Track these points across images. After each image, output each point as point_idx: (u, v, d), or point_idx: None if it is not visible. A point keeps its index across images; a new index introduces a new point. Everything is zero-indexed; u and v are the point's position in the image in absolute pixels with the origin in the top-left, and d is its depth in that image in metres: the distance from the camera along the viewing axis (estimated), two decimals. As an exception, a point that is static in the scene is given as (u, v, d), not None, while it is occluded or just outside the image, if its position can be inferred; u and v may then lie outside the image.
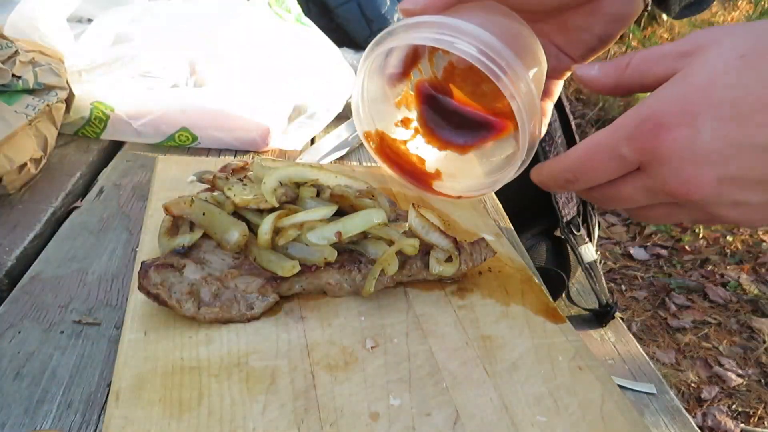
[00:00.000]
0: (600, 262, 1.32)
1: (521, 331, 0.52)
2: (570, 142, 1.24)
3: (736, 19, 4.57)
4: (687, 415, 1.04)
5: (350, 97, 0.65)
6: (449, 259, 0.56)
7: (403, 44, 0.59)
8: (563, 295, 1.29)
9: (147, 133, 0.86)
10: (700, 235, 2.65)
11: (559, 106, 1.23)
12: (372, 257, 0.54)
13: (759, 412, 1.74)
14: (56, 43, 0.78)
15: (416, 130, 0.67)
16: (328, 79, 1.01)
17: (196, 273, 0.48)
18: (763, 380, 1.87)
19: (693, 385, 1.83)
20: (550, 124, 1.19)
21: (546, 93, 0.61)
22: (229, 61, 0.95)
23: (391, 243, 0.54)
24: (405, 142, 0.69)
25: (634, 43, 4.10)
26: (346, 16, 1.40)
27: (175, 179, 0.69)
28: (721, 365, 1.92)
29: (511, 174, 0.56)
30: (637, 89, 0.46)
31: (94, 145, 0.85)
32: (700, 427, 1.59)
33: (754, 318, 2.14)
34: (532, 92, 0.50)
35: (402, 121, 0.68)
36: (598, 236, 1.36)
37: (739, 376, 1.87)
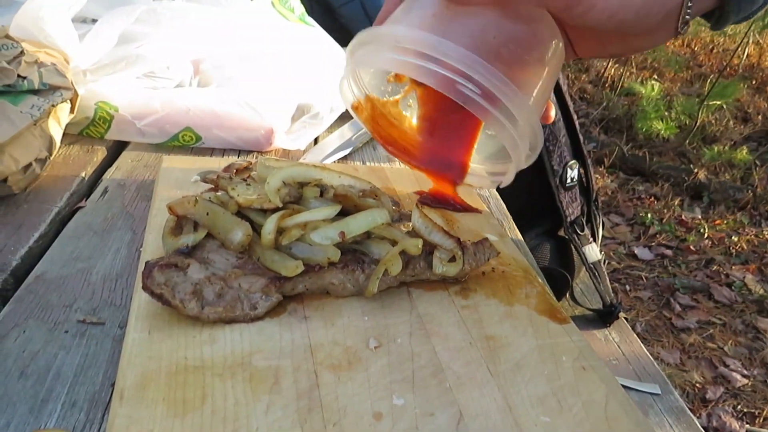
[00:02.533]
0: (604, 262, 1.32)
1: (525, 331, 0.52)
2: (574, 141, 1.24)
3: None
4: (692, 415, 1.03)
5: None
6: (452, 259, 0.56)
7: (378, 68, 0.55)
8: (567, 295, 1.29)
9: (151, 133, 0.86)
10: (705, 235, 2.64)
11: (562, 105, 1.23)
12: (375, 257, 0.54)
13: (764, 412, 1.73)
14: (61, 43, 0.78)
15: (411, 83, 0.63)
16: (331, 79, 1.01)
17: (200, 273, 0.48)
18: (768, 380, 1.86)
19: (698, 385, 1.82)
20: (554, 123, 1.19)
21: None
22: (232, 61, 0.96)
23: (394, 243, 0.54)
24: (397, 101, 0.65)
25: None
26: (349, 15, 1.40)
27: (179, 179, 0.69)
28: (726, 366, 1.91)
29: (510, 175, 0.56)
30: None
31: (98, 145, 0.85)
32: (704, 428, 1.58)
33: (759, 318, 2.13)
34: (527, 116, 0.47)
35: (395, 75, 0.64)
36: (602, 236, 1.36)
37: (744, 376, 1.86)
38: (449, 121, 0.61)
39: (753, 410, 1.74)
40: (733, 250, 2.55)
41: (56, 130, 0.74)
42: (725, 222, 2.77)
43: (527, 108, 0.47)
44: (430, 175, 0.68)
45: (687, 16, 0.46)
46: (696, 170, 3.04)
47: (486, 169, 0.64)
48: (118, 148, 0.87)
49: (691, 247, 2.57)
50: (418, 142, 0.66)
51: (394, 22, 0.50)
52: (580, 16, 0.46)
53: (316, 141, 0.98)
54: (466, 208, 0.71)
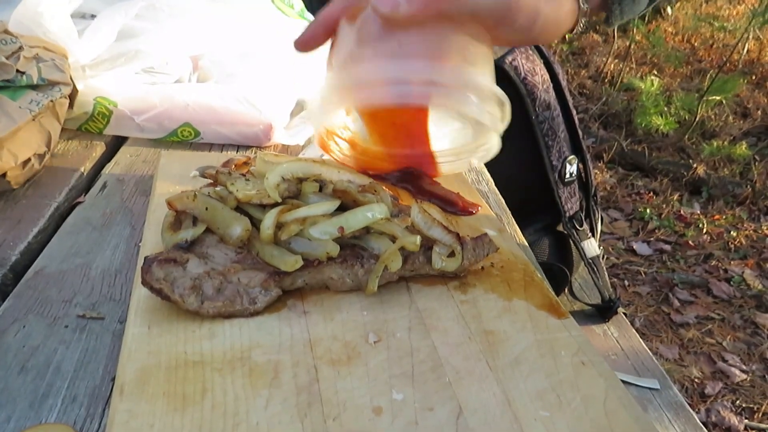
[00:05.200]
0: (603, 258, 1.32)
1: (524, 327, 0.52)
2: (573, 137, 1.24)
3: (741, 13, 4.55)
4: (690, 410, 1.04)
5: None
6: (452, 254, 0.56)
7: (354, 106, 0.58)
8: (566, 291, 1.29)
9: (150, 129, 0.86)
10: (704, 231, 2.64)
11: (561, 100, 1.23)
12: (374, 252, 0.54)
13: (763, 407, 1.73)
14: (60, 38, 0.78)
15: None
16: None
17: (199, 267, 0.48)
18: (767, 376, 1.86)
19: (697, 380, 1.83)
20: (553, 119, 1.19)
21: None
22: (231, 57, 0.95)
23: (393, 238, 0.54)
24: (346, 125, 0.66)
25: (638, 37, 4.08)
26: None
27: (177, 174, 0.69)
28: (724, 361, 1.91)
29: (496, 141, 0.56)
30: None
31: (97, 141, 0.85)
32: (703, 423, 1.59)
33: (758, 313, 2.14)
34: (466, 81, 0.49)
35: None
36: (601, 231, 1.36)
37: (743, 371, 1.87)
38: (395, 124, 0.62)
39: (752, 405, 1.75)
40: (732, 246, 2.55)
41: (55, 126, 0.73)
42: (724, 217, 2.77)
43: (465, 73, 0.48)
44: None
45: (579, 28, 0.57)
46: (695, 165, 3.04)
47: (471, 148, 0.64)
48: (116, 144, 0.87)
49: (690, 242, 2.57)
50: (380, 154, 0.67)
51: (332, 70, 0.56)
52: (503, 33, 0.53)
53: (315, 136, 0.98)
54: (465, 210, 0.71)
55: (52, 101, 0.71)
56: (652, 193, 2.98)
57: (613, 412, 0.44)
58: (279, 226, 0.52)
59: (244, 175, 0.59)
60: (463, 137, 0.65)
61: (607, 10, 0.59)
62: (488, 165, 0.96)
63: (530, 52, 1.21)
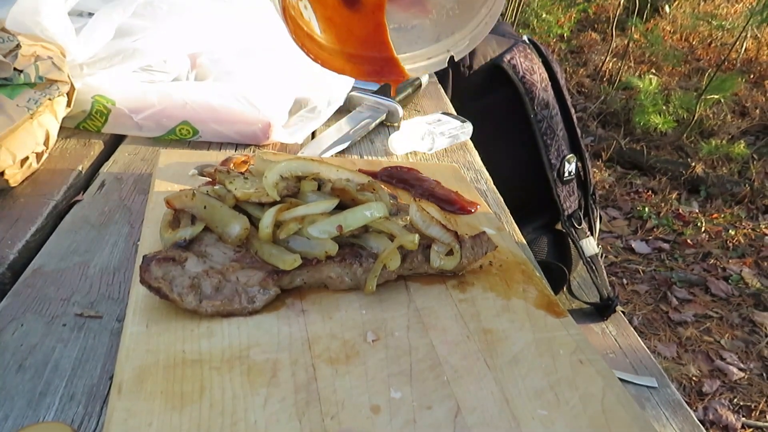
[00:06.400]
0: (601, 256, 1.32)
1: (522, 325, 0.52)
2: (572, 135, 1.24)
3: (740, 12, 4.55)
4: (688, 408, 1.04)
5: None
6: (450, 253, 0.56)
7: None
8: (564, 289, 1.29)
9: (148, 127, 0.86)
10: (702, 229, 2.64)
11: (560, 99, 1.23)
12: (373, 251, 0.54)
13: (761, 405, 1.74)
14: (58, 37, 0.78)
15: None
16: (329, 73, 1.00)
17: (198, 266, 0.48)
18: (764, 374, 1.87)
19: (694, 378, 1.83)
20: (551, 117, 1.19)
21: None
22: (229, 55, 0.95)
23: (392, 236, 0.54)
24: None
25: (636, 36, 4.08)
26: (347, 9, 1.39)
27: (176, 173, 0.69)
28: (722, 359, 1.92)
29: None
30: None
31: (95, 139, 0.85)
32: (701, 421, 1.59)
33: (756, 312, 2.14)
34: None
35: None
36: (600, 230, 1.36)
37: (740, 370, 1.87)
38: (352, 33, 0.58)
39: (749, 403, 1.75)
40: (730, 244, 2.56)
41: (53, 124, 0.73)
42: (722, 216, 2.77)
43: None
44: (368, 78, 0.64)
45: None
46: (693, 164, 3.04)
47: (447, 47, 0.60)
48: (115, 142, 0.87)
49: (689, 240, 2.57)
50: (336, 52, 0.62)
51: None
52: None
53: (313, 135, 0.98)
54: (463, 209, 0.71)
55: (50, 99, 0.70)
56: (650, 192, 2.98)
57: (611, 411, 0.44)
58: (278, 224, 0.52)
59: (242, 173, 0.59)
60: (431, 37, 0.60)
61: None
62: (487, 164, 0.96)
63: (529, 50, 1.21)
